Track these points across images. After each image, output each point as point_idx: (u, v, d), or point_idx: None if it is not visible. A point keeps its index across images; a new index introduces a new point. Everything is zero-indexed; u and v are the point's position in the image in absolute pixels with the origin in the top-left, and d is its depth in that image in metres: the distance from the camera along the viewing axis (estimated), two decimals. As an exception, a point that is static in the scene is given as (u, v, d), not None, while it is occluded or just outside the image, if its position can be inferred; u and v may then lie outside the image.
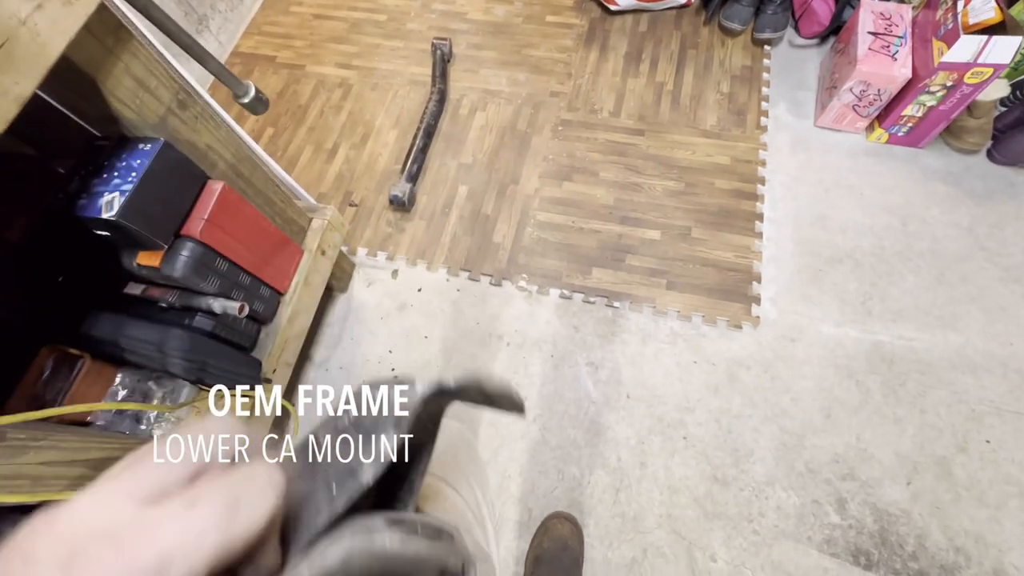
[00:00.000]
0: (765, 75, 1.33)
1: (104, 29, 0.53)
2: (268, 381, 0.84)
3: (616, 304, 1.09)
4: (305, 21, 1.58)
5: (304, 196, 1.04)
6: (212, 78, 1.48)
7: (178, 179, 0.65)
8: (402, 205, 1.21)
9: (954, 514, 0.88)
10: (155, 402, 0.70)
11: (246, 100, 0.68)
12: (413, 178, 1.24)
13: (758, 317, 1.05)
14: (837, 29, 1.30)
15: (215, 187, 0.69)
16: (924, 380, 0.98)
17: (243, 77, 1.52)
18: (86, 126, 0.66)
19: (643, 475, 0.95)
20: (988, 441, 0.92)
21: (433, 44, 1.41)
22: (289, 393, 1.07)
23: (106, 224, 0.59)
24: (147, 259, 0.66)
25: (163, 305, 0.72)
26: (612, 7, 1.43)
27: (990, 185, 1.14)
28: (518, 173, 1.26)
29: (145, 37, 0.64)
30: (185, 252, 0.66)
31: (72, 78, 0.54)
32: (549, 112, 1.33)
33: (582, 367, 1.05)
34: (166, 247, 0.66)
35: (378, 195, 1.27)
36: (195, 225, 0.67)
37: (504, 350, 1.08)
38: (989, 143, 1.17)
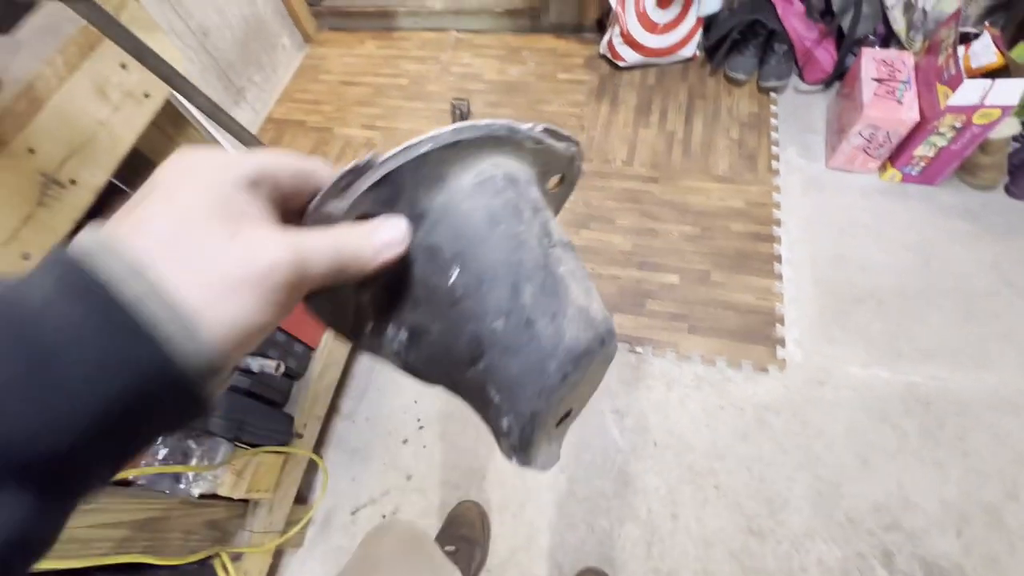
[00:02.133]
0: (773, 120, 1.37)
1: (166, 119, 0.59)
2: (299, 436, 0.86)
3: (639, 349, 1.10)
4: (333, 88, 1.70)
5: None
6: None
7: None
8: (425, 257, 1.25)
9: (1012, 567, 0.83)
10: (194, 461, 0.73)
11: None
12: (435, 230, 1.29)
13: (784, 360, 1.05)
14: (841, 74, 1.35)
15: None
16: (963, 422, 0.95)
17: (275, 142, 1.63)
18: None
19: (675, 527, 0.92)
20: (1039, 487, 0.88)
21: (452, 104, 1.50)
22: (319, 445, 1.09)
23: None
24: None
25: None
26: (620, 63, 1.51)
27: (1011, 220, 1.14)
28: (536, 222, 1.30)
29: (198, 120, 0.70)
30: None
31: (135, 162, 0.59)
32: (564, 163, 1.38)
33: (607, 415, 1.04)
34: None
35: (402, 247, 1.32)
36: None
37: (528, 398, 1.08)
38: (1006, 179, 1.17)
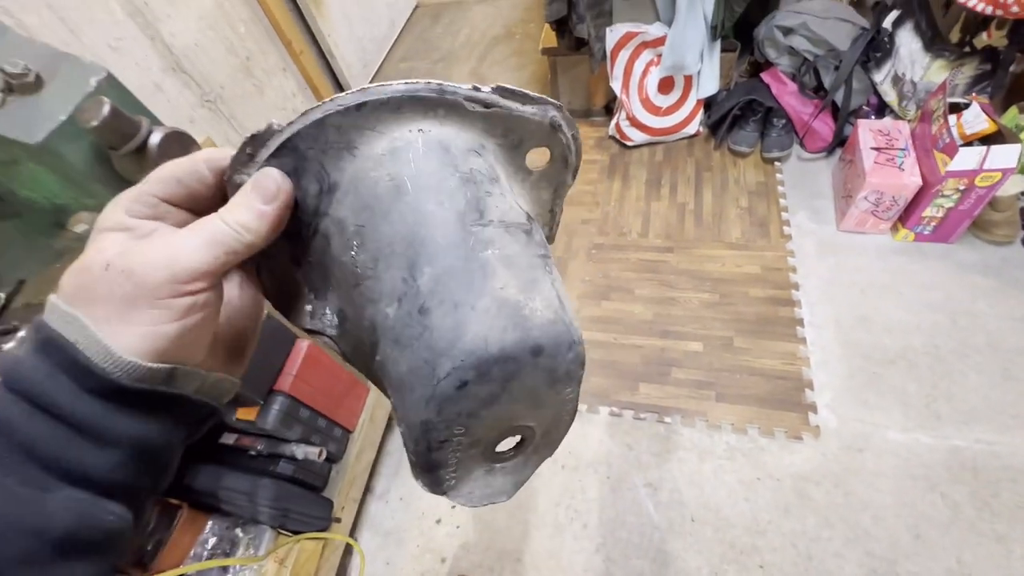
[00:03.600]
0: (780, 188, 1.43)
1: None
2: (338, 520, 0.88)
3: (667, 419, 1.10)
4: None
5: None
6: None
7: (274, 343, 0.77)
8: (453, 333, 1.31)
9: (1101, 657, 0.76)
10: (240, 550, 0.75)
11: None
12: (462, 307, 1.36)
13: (817, 426, 1.03)
14: (841, 142, 1.42)
15: (302, 346, 0.81)
16: (1019, 490, 0.91)
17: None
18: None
19: (721, 613, 0.88)
20: (1116, 562, 0.82)
21: (474, 188, 1.62)
22: (354, 528, 1.09)
23: (218, 389, 0.70)
24: (245, 414, 0.76)
25: (252, 453, 0.80)
26: (628, 143, 1.62)
27: (1034, 274, 1.14)
28: (558, 295, 1.35)
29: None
30: (276, 406, 0.76)
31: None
32: (582, 238, 1.46)
33: (640, 489, 1.03)
34: (261, 402, 0.75)
35: (431, 325, 1.38)
36: (286, 380, 0.77)
37: (559, 474, 1.08)
38: (1021, 233, 1.18)
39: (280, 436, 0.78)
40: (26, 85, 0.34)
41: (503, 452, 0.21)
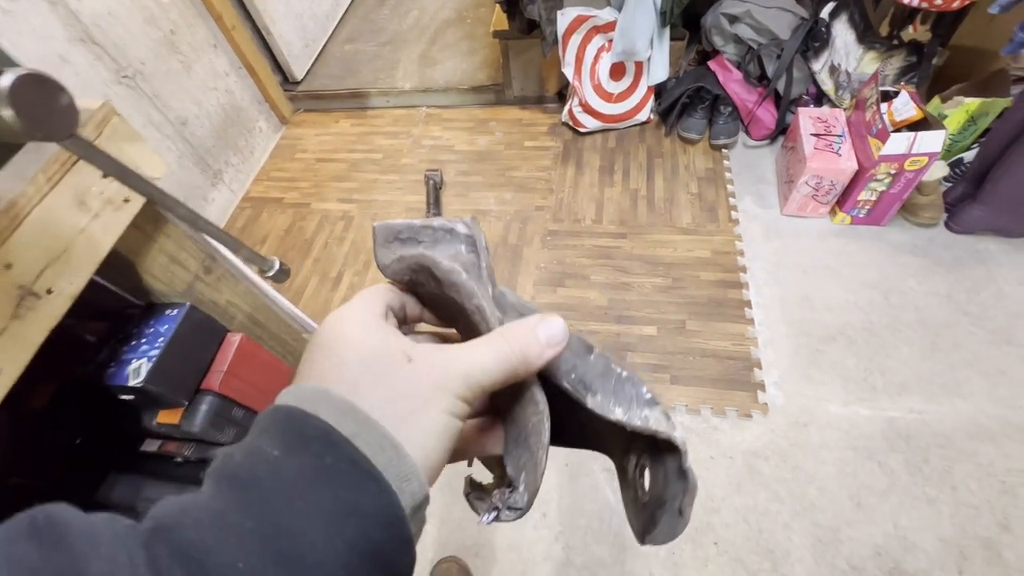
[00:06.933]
0: (728, 174, 1.46)
1: (145, 219, 0.61)
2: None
3: (624, 404, 1.10)
4: (309, 165, 1.75)
5: (313, 328, 1.09)
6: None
7: (201, 338, 0.69)
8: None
9: (1017, 604, 0.82)
10: (166, 566, 0.68)
11: (271, 273, 0.75)
12: (415, 298, 1.31)
13: (766, 404, 1.06)
14: (783, 130, 1.47)
15: (234, 339, 0.74)
16: (946, 454, 0.97)
17: (252, 220, 1.65)
18: (121, 292, 0.72)
19: (679, 591, 0.89)
20: (1029, 515, 0.89)
21: (426, 175, 1.56)
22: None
23: (132, 390, 0.62)
24: (167, 417, 0.68)
25: (179, 460, 0.73)
26: (581, 129, 1.61)
27: (956, 254, 1.21)
28: (514, 283, 1.33)
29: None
30: (204, 406, 0.69)
31: (113, 262, 0.60)
32: (536, 225, 1.44)
33: (599, 474, 1.02)
34: (186, 404, 0.68)
35: (382, 317, 1.32)
36: (215, 378, 0.70)
37: (518, 463, 1.06)
38: (944, 216, 1.26)
39: (210, 439, 0.71)
40: None
41: None
